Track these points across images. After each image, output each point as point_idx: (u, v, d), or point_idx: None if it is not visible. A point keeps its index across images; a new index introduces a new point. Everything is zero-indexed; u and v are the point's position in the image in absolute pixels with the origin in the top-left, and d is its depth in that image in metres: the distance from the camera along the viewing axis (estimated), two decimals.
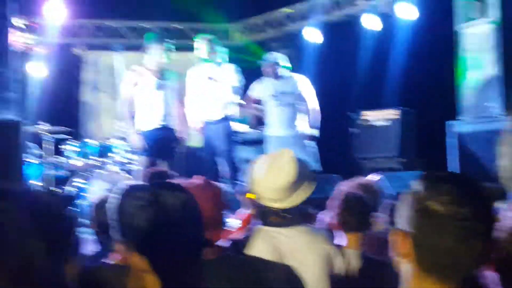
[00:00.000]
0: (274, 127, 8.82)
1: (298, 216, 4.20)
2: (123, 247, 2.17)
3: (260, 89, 8.90)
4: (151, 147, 7.73)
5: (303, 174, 3.30)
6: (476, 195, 1.61)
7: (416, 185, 1.66)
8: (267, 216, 3.25)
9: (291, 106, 8.74)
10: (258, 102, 9.14)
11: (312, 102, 8.81)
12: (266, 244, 3.15)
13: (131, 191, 2.13)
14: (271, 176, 3.22)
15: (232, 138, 8.33)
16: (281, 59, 8.86)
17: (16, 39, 10.28)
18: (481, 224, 1.57)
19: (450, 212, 1.57)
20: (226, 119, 8.21)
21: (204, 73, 8.18)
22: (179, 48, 10.69)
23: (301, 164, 3.34)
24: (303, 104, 8.81)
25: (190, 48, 8.93)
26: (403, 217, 1.66)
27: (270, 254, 3.12)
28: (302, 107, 8.82)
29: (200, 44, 8.21)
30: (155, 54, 7.77)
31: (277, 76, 8.79)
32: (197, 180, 3.30)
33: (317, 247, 3.22)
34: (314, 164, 8.76)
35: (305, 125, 8.80)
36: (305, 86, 8.82)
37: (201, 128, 8.27)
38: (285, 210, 3.26)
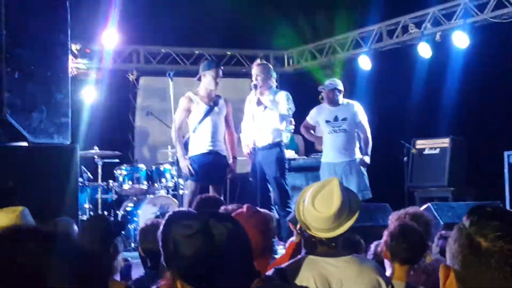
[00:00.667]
0: (330, 154, 8.82)
1: (346, 245, 4.19)
2: (169, 274, 2.18)
3: (318, 115, 8.94)
4: (199, 172, 7.78)
5: (350, 203, 3.29)
6: None
7: (464, 220, 1.64)
8: (314, 245, 3.24)
9: (347, 133, 8.75)
10: (314, 128, 9.19)
11: (366, 129, 8.82)
12: (314, 274, 3.13)
13: (179, 218, 2.14)
14: (318, 205, 3.21)
15: (283, 165, 8.31)
16: (340, 85, 8.90)
17: (70, 64, 10.49)
18: None
19: (498, 248, 1.54)
20: (276, 145, 8.21)
21: (255, 99, 8.22)
22: (233, 75, 10.85)
23: (348, 193, 3.32)
24: (358, 131, 8.83)
25: (244, 75, 9.00)
26: (450, 252, 1.64)
27: (318, 284, 3.11)
28: (357, 134, 8.83)
29: (254, 70, 8.28)
30: (208, 81, 7.85)
31: (335, 103, 8.82)
32: (243, 208, 3.32)
33: (365, 278, 3.19)
34: (367, 192, 8.72)
35: (359, 152, 8.80)
36: (361, 113, 8.84)
37: (251, 154, 8.29)
38: (332, 240, 3.25)
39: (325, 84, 9.10)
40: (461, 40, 9.82)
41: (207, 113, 7.84)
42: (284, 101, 8.19)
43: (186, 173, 7.84)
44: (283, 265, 3.23)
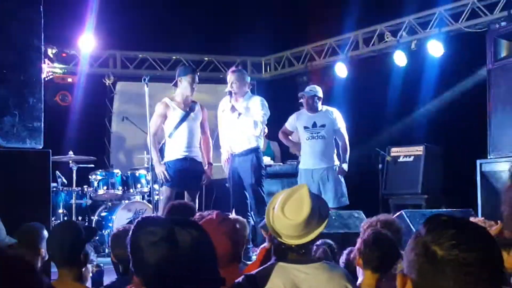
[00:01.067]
0: (308, 160, 8.84)
1: (316, 252, 4.20)
2: (138, 280, 2.18)
3: (296, 121, 8.98)
4: (174, 178, 7.76)
5: (319, 210, 3.30)
6: (480, 241, 1.60)
7: (421, 228, 1.65)
8: (284, 252, 3.25)
9: (326, 139, 8.77)
10: (291, 134, 9.22)
11: (345, 136, 8.86)
12: (284, 281, 3.14)
13: (145, 225, 2.14)
14: (288, 213, 3.21)
15: (260, 171, 8.30)
16: (320, 92, 8.93)
17: (45, 68, 10.45)
18: (485, 270, 1.56)
19: (453, 257, 1.56)
20: (253, 151, 8.20)
21: (229, 106, 8.21)
22: (210, 80, 10.85)
23: (317, 200, 3.34)
24: (336, 138, 8.87)
25: (222, 81, 8.99)
26: (407, 261, 1.66)
27: None
28: (335, 141, 8.87)
29: (229, 77, 8.26)
30: (184, 86, 7.84)
31: (314, 109, 8.85)
32: (212, 214, 3.31)
33: (335, 285, 3.20)
34: (343, 199, 8.76)
35: (337, 159, 8.83)
36: (340, 120, 8.88)
37: (228, 160, 8.28)
38: (302, 246, 3.26)
39: (305, 90, 9.12)
40: (436, 48, 9.91)
41: (183, 119, 7.83)
42: (258, 107, 8.19)
43: (161, 179, 7.82)
44: (253, 272, 3.23)
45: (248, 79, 8.40)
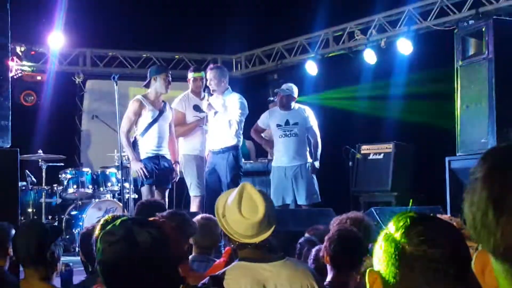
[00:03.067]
0: (281, 158, 8.85)
1: (280, 250, 4.22)
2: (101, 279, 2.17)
3: (269, 119, 8.98)
4: (146, 176, 7.74)
5: (271, 205, 3.34)
6: (448, 237, 1.61)
7: (390, 225, 1.67)
8: (247, 251, 3.25)
9: (298, 137, 8.79)
10: (263, 131, 9.22)
11: (317, 134, 8.88)
12: (250, 280, 3.14)
13: (106, 225, 2.13)
14: (246, 213, 3.22)
15: (238, 169, 8.29)
16: (295, 93, 8.95)
17: (14, 66, 10.34)
18: (452, 266, 1.58)
19: (421, 253, 1.57)
20: (231, 149, 8.19)
21: (206, 104, 8.20)
22: (180, 79, 10.78)
23: (263, 195, 3.35)
24: (309, 136, 8.89)
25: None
26: (377, 257, 1.67)
27: None
28: (307, 139, 8.89)
29: (208, 75, 8.25)
30: (159, 85, 7.81)
31: (287, 107, 8.86)
32: (165, 213, 3.32)
33: (300, 281, 3.22)
34: (315, 196, 8.79)
35: (309, 156, 8.85)
36: (312, 118, 8.90)
37: (208, 157, 8.27)
38: (263, 245, 3.26)
39: (282, 87, 9.12)
40: (405, 46, 9.98)
41: (156, 118, 7.82)
42: (236, 105, 8.18)
43: (141, 176, 7.77)
44: (218, 273, 3.23)
45: (227, 75, 8.37)
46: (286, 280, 3.18)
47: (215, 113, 8.10)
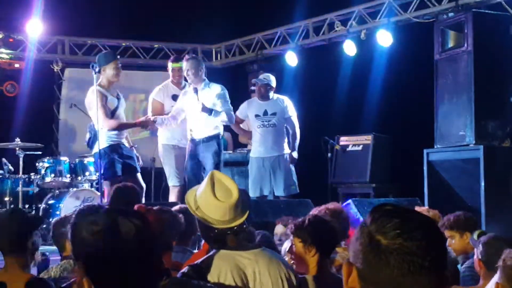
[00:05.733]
0: (259, 148, 8.85)
1: (256, 238, 4.24)
2: (79, 269, 2.15)
3: (247, 109, 8.96)
4: (112, 165, 7.70)
5: (242, 190, 3.42)
6: (424, 230, 1.62)
7: (366, 218, 1.67)
8: (225, 239, 3.27)
9: (276, 128, 8.79)
10: (242, 122, 9.21)
11: (295, 124, 8.88)
12: (230, 267, 3.17)
13: (87, 214, 2.10)
14: (220, 196, 3.27)
15: (219, 158, 8.27)
16: (273, 82, 8.93)
17: None
18: (428, 258, 1.58)
19: (397, 245, 1.57)
20: (214, 138, 8.14)
21: (187, 93, 8.18)
22: (160, 68, 10.75)
23: (233, 181, 3.41)
24: (287, 126, 8.88)
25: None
26: (353, 250, 1.67)
27: (235, 276, 3.16)
28: (286, 129, 8.89)
29: (184, 65, 8.17)
30: (111, 74, 7.74)
31: (266, 97, 8.86)
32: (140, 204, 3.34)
33: (276, 269, 3.27)
34: (294, 187, 8.80)
35: (287, 147, 8.85)
36: (291, 108, 8.90)
37: (188, 146, 8.24)
38: (240, 231, 3.30)
39: (259, 77, 9.13)
40: (384, 38, 10.00)
41: (118, 107, 7.82)
42: (223, 100, 8.11)
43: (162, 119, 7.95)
44: (198, 261, 3.24)
45: (203, 65, 8.31)
46: (264, 268, 3.22)
47: (210, 111, 7.99)
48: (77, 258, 2.11)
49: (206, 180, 3.33)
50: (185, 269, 3.16)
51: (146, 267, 2.02)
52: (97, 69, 7.65)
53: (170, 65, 8.64)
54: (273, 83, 8.95)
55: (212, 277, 3.13)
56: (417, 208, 5.42)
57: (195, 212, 3.31)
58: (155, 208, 3.84)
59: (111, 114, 7.71)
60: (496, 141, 8.01)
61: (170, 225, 3.84)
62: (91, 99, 7.69)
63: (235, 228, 3.27)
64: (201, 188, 3.34)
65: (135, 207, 3.48)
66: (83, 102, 10.91)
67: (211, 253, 3.27)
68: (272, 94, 8.94)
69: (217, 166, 8.08)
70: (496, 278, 3.45)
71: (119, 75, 7.79)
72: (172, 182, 8.37)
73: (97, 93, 7.60)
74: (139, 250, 1.99)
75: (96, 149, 7.69)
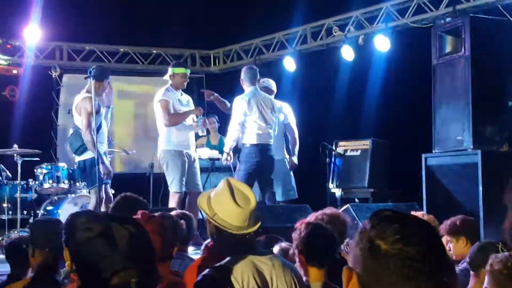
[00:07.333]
0: None
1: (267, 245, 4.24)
2: (76, 275, 2.15)
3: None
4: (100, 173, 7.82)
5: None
6: (423, 235, 1.62)
7: (366, 223, 1.67)
8: (244, 244, 3.27)
9: (275, 133, 8.79)
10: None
11: (295, 130, 8.89)
12: (252, 270, 3.21)
13: (83, 220, 2.10)
14: (240, 202, 3.29)
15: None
16: (273, 86, 8.94)
17: None
18: (428, 263, 1.58)
19: (397, 251, 1.58)
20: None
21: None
22: (158, 73, 10.75)
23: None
24: (286, 132, 8.89)
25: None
26: (352, 255, 1.67)
27: (257, 279, 3.20)
28: (286, 135, 8.90)
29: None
30: (96, 88, 7.83)
31: None
32: (138, 214, 3.33)
33: (289, 275, 3.32)
34: (292, 192, 8.80)
35: (286, 153, 8.87)
36: (290, 115, 8.92)
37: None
38: (252, 239, 3.31)
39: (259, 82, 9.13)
40: (382, 43, 10.02)
41: (106, 114, 7.96)
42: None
43: (109, 173, 7.83)
44: (222, 262, 3.24)
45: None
46: (280, 273, 3.28)
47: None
48: (74, 265, 2.11)
49: (222, 187, 3.35)
50: (207, 271, 3.17)
51: (141, 273, 2.01)
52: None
53: (170, 70, 8.65)
54: (273, 87, 8.95)
55: (236, 280, 3.16)
56: (412, 213, 5.42)
57: (212, 219, 3.31)
58: (156, 214, 3.83)
59: (100, 123, 7.91)
60: (494, 145, 7.99)
61: (172, 231, 3.83)
62: (81, 105, 7.84)
63: (252, 233, 3.31)
64: (218, 195, 3.34)
65: (138, 213, 3.48)
66: None
67: (231, 256, 3.26)
68: (272, 98, 8.92)
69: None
70: (485, 283, 3.45)
71: (103, 92, 8.10)
72: (175, 188, 8.37)
73: (88, 100, 7.79)
74: (133, 255, 1.99)
75: (86, 156, 7.78)
